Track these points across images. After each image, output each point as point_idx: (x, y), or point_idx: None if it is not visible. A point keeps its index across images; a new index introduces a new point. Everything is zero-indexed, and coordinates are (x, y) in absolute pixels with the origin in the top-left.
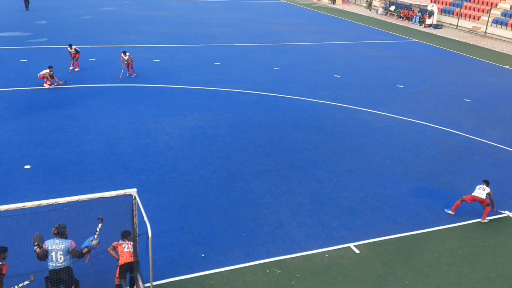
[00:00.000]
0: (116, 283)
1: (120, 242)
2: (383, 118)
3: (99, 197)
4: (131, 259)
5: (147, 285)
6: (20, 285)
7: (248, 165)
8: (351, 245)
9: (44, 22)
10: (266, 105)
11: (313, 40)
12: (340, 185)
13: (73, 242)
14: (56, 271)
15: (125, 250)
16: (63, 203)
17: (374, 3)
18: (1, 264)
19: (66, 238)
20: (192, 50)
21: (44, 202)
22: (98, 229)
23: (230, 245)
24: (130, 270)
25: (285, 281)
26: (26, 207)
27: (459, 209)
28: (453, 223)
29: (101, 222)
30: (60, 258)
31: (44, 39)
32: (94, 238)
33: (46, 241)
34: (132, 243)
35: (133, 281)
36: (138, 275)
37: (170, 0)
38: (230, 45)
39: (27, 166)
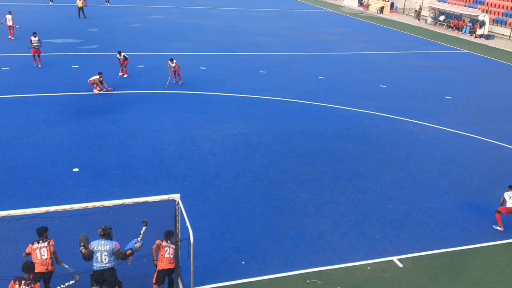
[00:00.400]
0: None
1: (163, 243)
2: (430, 130)
3: (143, 202)
4: (170, 266)
5: None
6: (66, 284)
7: (291, 173)
8: (394, 258)
9: (95, 29)
10: (310, 114)
11: (359, 49)
12: (384, 197)
13: (117, 244)
14: (101, 272)
15: (166, 255)
16: (109, 206)
17: (423, 12)
18: (48, 242)
19: (111, 239)
20: (238, 58)
21: (90, 204)
22: (142, 232)
23: (270, 254)
24: (168, 275)
25: None
26: (73, 209)
27: (508, 226)
28: (502, 239)
29: (145, 226)
30: (105, 259)
31: (95, 46)
32: (138, 240)
33: (91, 242)
34: (173, 247)
35: (171, 283)
36: (179, 279)
37: (217, 9)
38: (276, 54)
39: (76, 169)
